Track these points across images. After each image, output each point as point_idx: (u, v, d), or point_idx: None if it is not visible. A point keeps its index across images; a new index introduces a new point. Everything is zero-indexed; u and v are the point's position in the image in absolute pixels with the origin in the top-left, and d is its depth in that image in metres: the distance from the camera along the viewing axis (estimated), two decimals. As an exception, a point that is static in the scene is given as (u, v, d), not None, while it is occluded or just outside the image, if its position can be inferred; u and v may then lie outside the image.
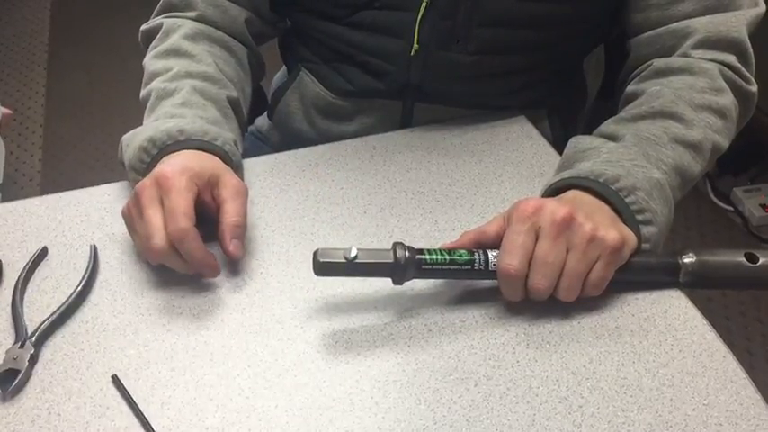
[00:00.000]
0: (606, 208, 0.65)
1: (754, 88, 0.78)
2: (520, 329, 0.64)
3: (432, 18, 0.80)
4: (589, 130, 0.77)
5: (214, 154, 0.71)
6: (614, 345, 0.63)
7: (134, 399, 0.58)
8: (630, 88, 0.79)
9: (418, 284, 0.68)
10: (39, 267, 0.70)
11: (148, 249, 0.64)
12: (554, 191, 0.69)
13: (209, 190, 0.67)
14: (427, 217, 0.75)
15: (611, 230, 0.62)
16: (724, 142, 0.75)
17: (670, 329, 0.64)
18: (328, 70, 0.91)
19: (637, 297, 0.66)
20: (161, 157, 0.70)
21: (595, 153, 0.70)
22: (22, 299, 0.66)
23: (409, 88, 0.87)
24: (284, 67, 1.02)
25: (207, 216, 0.67)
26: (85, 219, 0.75)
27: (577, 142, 0.74)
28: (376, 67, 0.86)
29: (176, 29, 0.83)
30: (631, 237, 0.63)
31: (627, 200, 0.65)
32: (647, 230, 0.65)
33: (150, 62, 0.82)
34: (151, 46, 0.85)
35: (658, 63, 0.78)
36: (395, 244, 0.62)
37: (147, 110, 0.77)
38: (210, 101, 0.77)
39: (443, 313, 0.65)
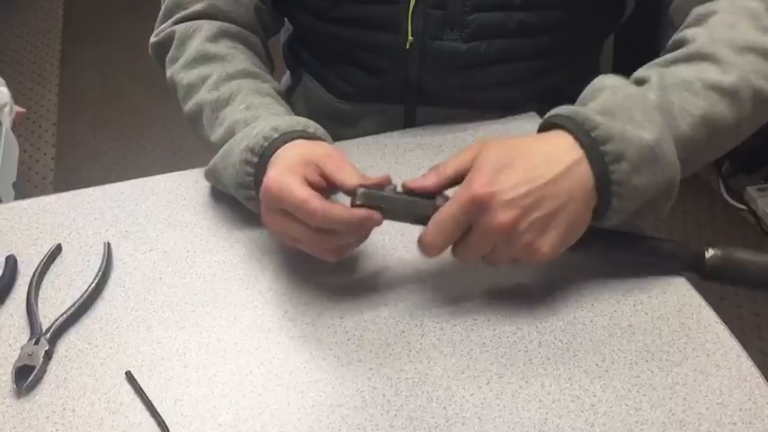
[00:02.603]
0: (584, 184, 0.60)
1: None
2: (532, 328, 0.64)
3: (422, 8, 0.80)
4: None
5: (309, 140, 0.68)
6: (627, 343, 0.62)
7: (147, 395, 0.59)
8: (671, 40, 0.74)
9: (431, 281, 0.68)
10: (53, 264, 0.70)
11: (325, 255, 0.63)
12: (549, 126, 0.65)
13: (311, 171, 0.62)
14: (439, 215, 0.75)
15: (548, 241, 0.59)
16: (763, 84, 0.67)
17: (683, 328, 0.64)
18: (328, 72, 0.91)
19: (650, 296, 0.66)
20: (264, 163, 0.65)
21: (608, 93, 0.65)
22: (36, 296, 0.67)
23: (409, 88, 0.86)
24: (288, 72, 1.02)
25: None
26: (99, 216, 0.75)
27: (599, 80, 0.68)
28: (372, 64, 0.86)
29: (192, 34, 0.79)
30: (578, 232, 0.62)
31: (610, 167, 0.60)
32: (616, 203, 0.61)
33: (180, 74, 0.78)
34: (169, 58, 0.80)
35: (699, 9, 0.73)
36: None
37: (204, 125, 0.74)
38: (268, 96, 0.75)
39: (455, 311, 0.65)
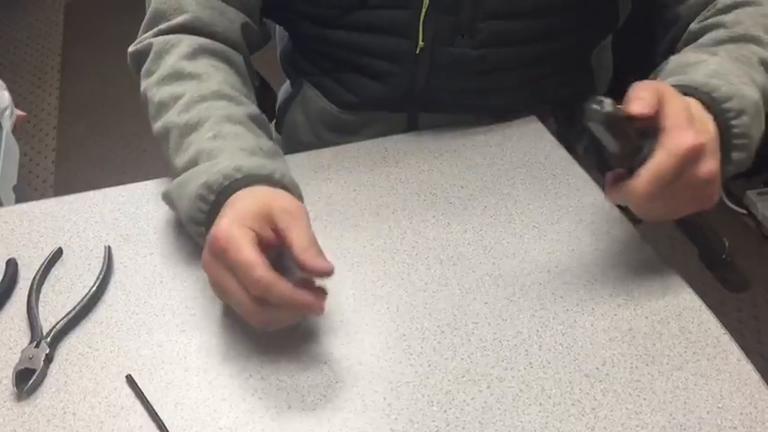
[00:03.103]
0: (714, 127, 0.63)
1: None
2: (533, 331, 0.64)
3: (434, 14, 0.80)
4: None
5: (273, 187, 0.64)
6: (627, 347, 0.62)
7: (148, 399, 0.59)
8: (696, 26, 0.77)
9: (431, 284, 0.68)
10: (54, 268, 0.70)
11: (249, 320, 0.59)
12: None
13: (265, 225, 0.59)
14: (440, 219, 0.75)
15: (719, 191, 0.62)
16: None
17: (684, 332, 0.64)
18: (330, 82, 0.90)
19: (650, 300, 0.66)
20: (220, 202, 0.63)
21: (703, 65, 0.68)
22: (37, 299, 0.67)
23: (414, 95, 0.86)
24: (287, 81, 1.00)
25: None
26: (100, 220, 0.75)
27: (681, 57, 0.71)
28: (379, 70, 0.86)
29: (170, 49, 0.76)
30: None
31: (732, 122, 0.64)
32: (737, 155, 0.65)
33: (153, 90, 0.74)
34: (145, 70, 0.77)
35: (724, 0, 0.76)
36: None
37: (170, 148, 0.70)
38: (240, 124, 0.70)
39: (456, 314, 0.65)
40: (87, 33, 2.88)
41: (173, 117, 0.71)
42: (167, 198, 0.69)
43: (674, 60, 0.72)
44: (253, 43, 0.85)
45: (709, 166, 0.59)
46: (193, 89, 0.72)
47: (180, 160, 0.68)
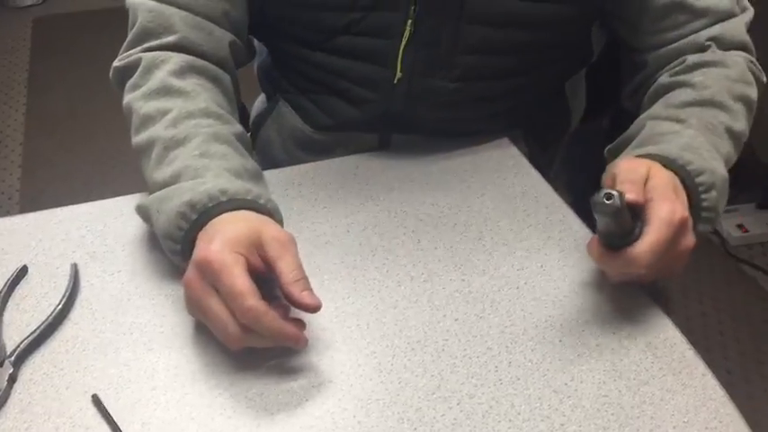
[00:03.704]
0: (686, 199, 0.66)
1: (765, 78, 0.84)
2: (502, 348, 0.64)
3: (414, 46, 0.81)
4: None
5: (257, 212, 0.65)
6: (595, 363, 0.63)
7: (114, 418, 0.58)
8: (666, 80, 0.80)
9: (402, 302, 0.68)
10: (18, 286, 0.69)
11: (227, 342, 0.60)
12: None
13: (254, 252, 0.61)
14: (410, 236, 0.76)
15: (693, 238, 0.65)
16: (747, 133, 0.78)
17: (650, 348, 0.64)
18: (306, 102, 0.90)
19: (617, 316, 0.67)
20: (202, 222, 0.63)
21: (677, 137, 0.71)
22: (0, 318, 0.65)
23: (389, 119, 0.87)
24: (263, 94, 1.00)
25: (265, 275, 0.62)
26: (66, 237, 0.74)
27: (655, 125, 0.75)
28: (356, 95, 0.86)
29: (159, 64, 0.75)
30: None
31: (702, 196, 0.67)
32: (702, 227, 0.68)
33: (139, 103, 0.74)
34: (131, 84, 0.76)
35: (693, 58, 0.80)
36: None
37: (152, 160, 0.70)
38: (226, 144, 0.71)
39: (426, 331, 0.66)
40: (55, 49, 2.85)
41: (159, 131, 0.71)
42: (142, 211, 0.69)
43: (648, 127, 0.75)
44: (239, 60, 0.85)
45: (691, 238, 0.64)
46: (181, 105, 0.72)
47: (161, 174, 0.68)
